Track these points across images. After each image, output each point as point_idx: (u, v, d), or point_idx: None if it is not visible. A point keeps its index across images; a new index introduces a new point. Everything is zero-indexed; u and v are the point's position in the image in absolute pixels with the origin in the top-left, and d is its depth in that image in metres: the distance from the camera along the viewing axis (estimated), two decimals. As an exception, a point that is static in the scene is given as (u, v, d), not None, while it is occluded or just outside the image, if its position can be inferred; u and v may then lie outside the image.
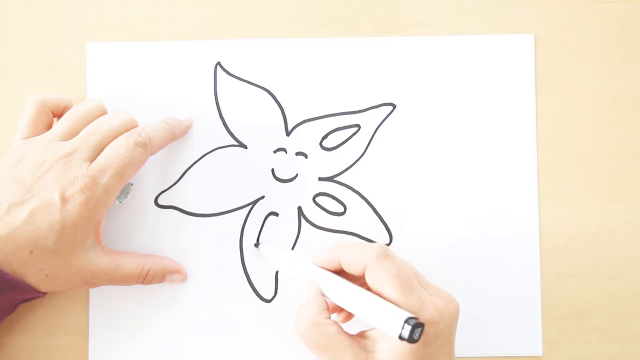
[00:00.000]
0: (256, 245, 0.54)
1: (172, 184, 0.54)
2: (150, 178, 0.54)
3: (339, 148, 0.55)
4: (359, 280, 0.46)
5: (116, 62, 0.54)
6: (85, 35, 0.55)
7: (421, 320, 0.42)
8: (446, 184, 0.54)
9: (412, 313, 0.42)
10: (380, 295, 0.44)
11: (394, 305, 0.42)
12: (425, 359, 0.43)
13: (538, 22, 0.55)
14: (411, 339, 0.41)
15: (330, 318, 0.45)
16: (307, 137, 0.55)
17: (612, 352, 0.54)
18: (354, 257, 0.45)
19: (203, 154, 0.54)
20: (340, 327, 0.45)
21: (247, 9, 0.55)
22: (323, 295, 0.46)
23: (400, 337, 0.41)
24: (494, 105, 0.54)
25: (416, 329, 0.41)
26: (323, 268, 0.47)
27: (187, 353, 0.53)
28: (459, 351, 0.53)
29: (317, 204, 0.54)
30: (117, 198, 0.52)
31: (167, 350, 0.53)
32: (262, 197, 0.54)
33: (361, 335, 0.45)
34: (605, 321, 0.54)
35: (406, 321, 0.41)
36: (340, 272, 0.47)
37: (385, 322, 0.42)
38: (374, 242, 0.54)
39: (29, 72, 0.55)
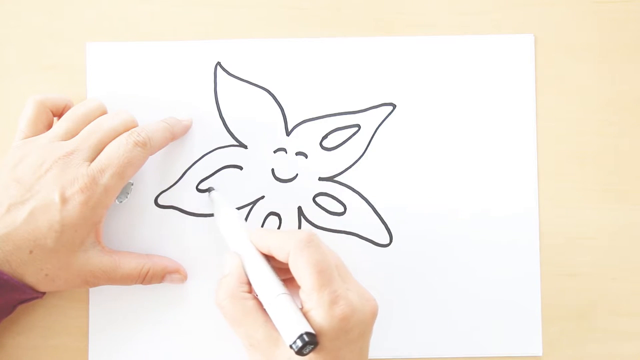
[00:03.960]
0: (209, 190, 0.53)
1: (172, 184, 0.54)
2: (150, 178, 0.54)
3: (339, 148, 0.55)
4: (274, 262, 0.47)
5: (116, 62, 0.54)
6: (85, 35, 0.55)
7: (331, 313, 0.42)
8: (446, 184, 0.54)
9: (324, 304, 0.42)
10: (298, 282, 0.44)
11: (298, 314, 0.43)
12: (331, 352, 0.43)
13: (538, 22, 0.55)
14: (300, 352, 0.42)
15: (250, 292, 0.46)
16: (307, 137, 0.55)
17: (612, 352, 0.54)
18: (280, 242, 0.45)
19: (203, 154, 0.54)
20: (258, 303, 0.45)
21: (247, 9, 0.55)
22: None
23: (291, 347, 0.42)
24: (494, 105, 0.54)
25: (307, 346, 0.42)
26: (256, 247, 0.47)
27: (187, 353, 0.53)
28: (458, 351, 0.53)
29: (317, 204, 0.54)
30: (117, 198, 0.52)
31: (167, 350, 0.53)
32: (262, 197, 0.54)
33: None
34: (605, 321, 0.54)
35: (300, 336, 0.41)
36: (273, 257, 0.47)
37: (283, 326, 0.43)
38: (373, 241, 0.54)
39: (29, 72, 0.55)
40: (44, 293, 0.50)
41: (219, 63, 0.55)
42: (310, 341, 0.42)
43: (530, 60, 0.55)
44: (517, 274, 0.54)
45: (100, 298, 0.53)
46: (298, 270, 0.44)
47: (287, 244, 0.45)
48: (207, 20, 0.55)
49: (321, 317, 0.43)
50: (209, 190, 0.53)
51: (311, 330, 0.42)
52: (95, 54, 0.54)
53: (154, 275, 0.52)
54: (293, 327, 0.42)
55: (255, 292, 0.46)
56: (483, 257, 0.54)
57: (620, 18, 0.55)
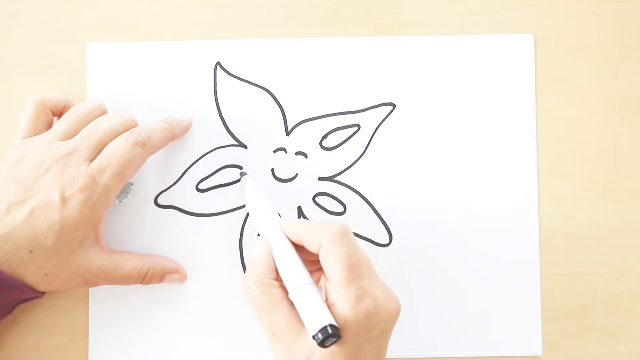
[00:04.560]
0: (241, 174, 0.53)
1: (172, 184, 0.54)
2: (150, 178, 0.54)
3: (339, 148, 0.55)
4: (303, 252, 0.46)
5: (116, 62, 0.54)
6: (85, 35, 0.55)
7: (356, 308, 0.42)
8: (446, 183, 0.54)
9: (350, 299, 0.42)
10: (326, 274, 0.44)
11: (323, 306, 0.43)
12: (353, 348, 0.43)
13: (538, 22, 0.55)
14: (322, 345, 0.42)
15: (277, 280, 0.45)
16: (307, 137, 0.55)
17: (612, 352, 0.54)
18: (313, 232, 0.45)
19: (203, 154, 0.54)
20: (284, 291, 0.45)
21: (247, 9, 0.55)
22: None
23: (313, 338, 0.42)
24: (494, 105, 0.54)
25: (330, 339, 0.41)
26: (286, 236, 0.47)
27: (187, 353, 0.53)
28: (458, 351, 0.53)
29: (317, 204, 0.54)
30: (117, 198, 0.52)
31: (167, 350, 0.53)
32: (262, 197, 0.54)
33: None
34: (605, 321, 0.54)
35: (324, 328, 0.41)
36: (302, 248, 0.47)
37: (308, 316, 0.43)
38: (373, 241, 0.54)
39: (29, 72, 0.55)
40: (43, 293, 0.50)
41: (219, 63, 0.55)
42: (333, 334, 0.41)
43: (530, 60, 0.55)
44: (517, 274, 0.54)
45: (100, 298, 0.53)
46: (329, 263, 0.44)
47: (320, 235, 0.44)
48: (207, 20, 0.55)
49: (346, 311, 0.42)
50: (241, 174, 0.53)
51: (335, 323, 0.42)
52: (95, 54, 0.54)
53: (154, 275, 0.52)
54: (317, 319, 0.42)
55: (281, 280, 0.46)
56: (483, 257, 0.54)
57: (620, 18, 0.55)
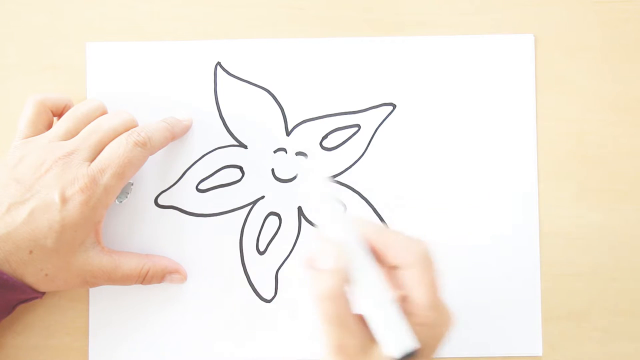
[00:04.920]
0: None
1: (172, 184, 0.54)
2: (150, 178, 0.54)
3: (339, 148, 0.55)
4: (380, 263, 0.43)
5: (116, 62, 0.54)
6: (85, 35, 0.55)
7: (435, 334, 0.42)
8: (446, 183, 0.54)
9: (434, 326, 0.41)
10: (410, 293, 0.42)
11: (406, 327, 0.41)
12: None
13: (538, 22, 0.55)
14: None
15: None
16: (307, 137, 0.55)
17: (612, 352, 0.54)
18: (400, 247, 0.42)
19: (203, 154, 0.54)
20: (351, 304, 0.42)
21: (247, 9, 0.55)
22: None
23: (389, 356, 0.41)
24: (494, 105, 0.54)
25: (407, 358, 0.40)
26: (365, 241, 0.43)
27: (187, 353, 0.53)
28: (458, 351, 0.53)
29: (317, 204, 0.54)
30: (117, 198, 0.52)
31: (167, 350, 0.53)
32: (262, 197, 0.54)
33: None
34: (605, 321, 0.54)
35: (406, 352, 0.40)
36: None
37: (389, 336, 0.41)
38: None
39: (29, 72, 0.55)
40: (43, 293, 0.50)
41: (219, 63, 0.55)
42: (410, 357, 0.40)
43: (530, 60, 0.55)
44: (517, 273, 0.54)
45: (100, 298, 0.53)
46: (419, 284, 0.42)
47: (410, 252, 0.42)
48: (207, 20, 0.55)
49: (428, 336, 0.41)
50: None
51: (417, 347, 0.40)
52: (95, 54, 0.54)
53: (154, 275, 0.52)
54: (401, 340, 0.40)
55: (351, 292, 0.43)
56: (483, 256, 0.54)
57: (620, 18, 0.55)
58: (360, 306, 0.42)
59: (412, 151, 0.54)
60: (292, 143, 0.55)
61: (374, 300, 0.42)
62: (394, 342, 0.41)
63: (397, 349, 0.40)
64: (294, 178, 0.54)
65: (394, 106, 0.55)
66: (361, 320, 0.42)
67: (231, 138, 0.54)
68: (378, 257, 0.43)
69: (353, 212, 0.54)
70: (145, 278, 0.51)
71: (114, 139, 0.50)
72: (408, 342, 0.40)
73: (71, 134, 0.50)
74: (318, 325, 0.42)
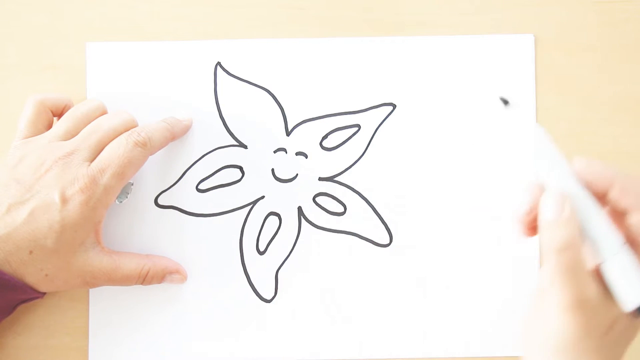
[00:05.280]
0: (505, 102, 0.46)
1: (172, 184, 0.54)
2: (150, 178, 0.54)
3: (339, 148, 0.55)
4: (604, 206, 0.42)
5: (116, 62, 0.54)
6: (85, 35, 0.55)
7: None
8: (446, 184, 0.54)
9: None
10: (637, 236, 0.40)
11: None
12: None
13: (538, 22, 0.55)
14: (636, 315, 0.39)
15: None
16: (307, 137, 0.55)
17: (612, 352, 0.54)
18: (626, 190, 0.40)
19: (203, 154, 0.54)
20: None
21: (247, 9, 0.55)
22: None
23: (631, 311, 0.39)
24: (494, 105, 0.54)
25: None
26: (587, 183, 0.41)
27: (187, 353, 0.53)
28: (459, 351, 0.53)
29: (317, 204, 0.54)
30: (117, 198, 0.52)
31: (167, 350, 0.53)
32: (262, 197, 0.54)
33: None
34: (606, 321, 0.54)
35: None
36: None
37: (623, 285, 0.39)
38: (373, 241, 0.54)
39: (29, 72, 0.55)
40: (44, 293, 0.50)
41: (219, 63, 0.55)
42: None
43: (530, 60, 0.55)
44: (517, 274, 0.54)
45: (100, 298, 0.53)
46: None
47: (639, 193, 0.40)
48: (207, 20, 0.55)
49: None
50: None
51: None
52: (95, 54, 0.54)
53: (154, 276, 0.52)
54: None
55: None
56: (483, 256, 0.54)
57: (620, 18, 0.55)
58: (593, 257, 0.40)
59: (412, 151, 0.54)
60: (292, 143, 0.55)
61: (608, 249, 0.40)
62: (633, 294, 0.38)
63: (637, 300, 0.38)
64: (294, 178, 0.54)
65: (394, 106, 0.55)
66: (595, 272, 0.40)
67: (231, 138, 0.54)
68: (602, 201, 0.41)
69: (353, 212, 0.54)
70: (146, 278, 0.51)
71: (114, 139, 0.50)
72: None
73: (71, 134, 0.50)
74: (552, 281, 0.39)
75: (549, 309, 0.41)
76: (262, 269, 0.54)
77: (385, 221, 0.54)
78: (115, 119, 0.51)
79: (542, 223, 0.41)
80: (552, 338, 0.41)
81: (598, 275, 0.41)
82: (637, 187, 0.40)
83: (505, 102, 0.44)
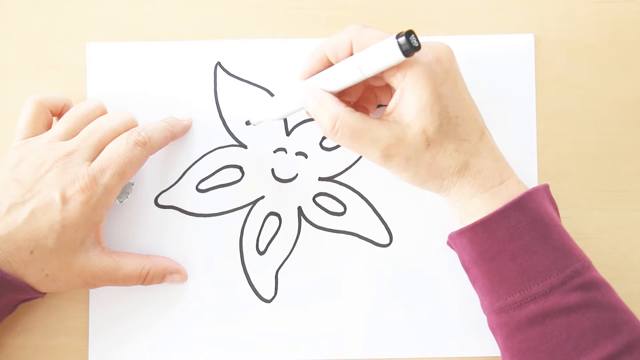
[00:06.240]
0: (247, 123, 0.53)
1: (172, 184, 0.54)
2: (150, 178, 0.54)
3: (339, 148, 0.54)
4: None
5: (116, 62, 0.54)
6: (85, 35, 0.55)
7: (426, 63, 0.45)
8: (446, 184, 0.54)
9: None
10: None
11: (380, 39, 0.45)
12: (443, 94, 0.46)
13: (538, 22, 0.55)
14: (413, 47, 0.44)
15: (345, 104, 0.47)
16: (307, 137, 0.55)
17: (612, 352, 0.54)
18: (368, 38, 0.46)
19: (203, 154, 0.54)
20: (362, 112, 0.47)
21: (247, 9, 0.55)
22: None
23: (405, 53, 0.44)
24: (494, 105, 0.54)
25: (410, 37, 0.44)
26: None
27: (187, 353, 0.53)
28: (459, 351, 0.53)
29: (317, 204, 0.54)
30: (117, 198, 0.52)
31: (167, 350, 0.53)
32: (262, 197, 0.54)
33: (382, 117, 0.47)
34: (606, 321, 0.54)
35: (397, 37, 0.44)
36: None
37: (383, 56, 0.45)
38: (373, 241, 0.54)
39: (29, 72, 0.55)
40: (45, 293, 0.50)
41: (219, 63, 0.55)
42: (407, 32, 0.44)
43: (530, 60, 0.55)
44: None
45: (100, 298, 0.53)
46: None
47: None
48: (207, 20, 0.55)
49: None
50: (247, 123, 0.53)
51: (400, 32, 0.44)
52: (95, 54, 0.54)
53: (155, 276, 0.52)
54: (389, 42, 0.44)
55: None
56: (483, 257, 0.54)
57: (620, 18, 0.55)
58: (360, 76, 0.46)
59: (412, 151, 0.54)
60: (292, 143, 0.55)
61: (352, 65, 0.46)
62: (389, 47, 0.45)
63: (394, 45, 0.44)
64: (294, 178, 0.54)
65: (394, 106, 0.54)
66: (377, 118, 0.47)
67: (231, 138, 0.54)
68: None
69: (353, 212, 0.54)
70: (146, 279, 0.51)
71: (114, 138, 0.50)
72: (394, 35, 0.45)
73: (71, 134, 0.50)
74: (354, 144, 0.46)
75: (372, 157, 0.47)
76: (262, 269, 0.54)
77: (385, 221, 0.54)
78: (116, 118, 0.51)
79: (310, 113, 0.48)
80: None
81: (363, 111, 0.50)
82: (365, 39, 0.46)
83: (247, 123, 0.53)
